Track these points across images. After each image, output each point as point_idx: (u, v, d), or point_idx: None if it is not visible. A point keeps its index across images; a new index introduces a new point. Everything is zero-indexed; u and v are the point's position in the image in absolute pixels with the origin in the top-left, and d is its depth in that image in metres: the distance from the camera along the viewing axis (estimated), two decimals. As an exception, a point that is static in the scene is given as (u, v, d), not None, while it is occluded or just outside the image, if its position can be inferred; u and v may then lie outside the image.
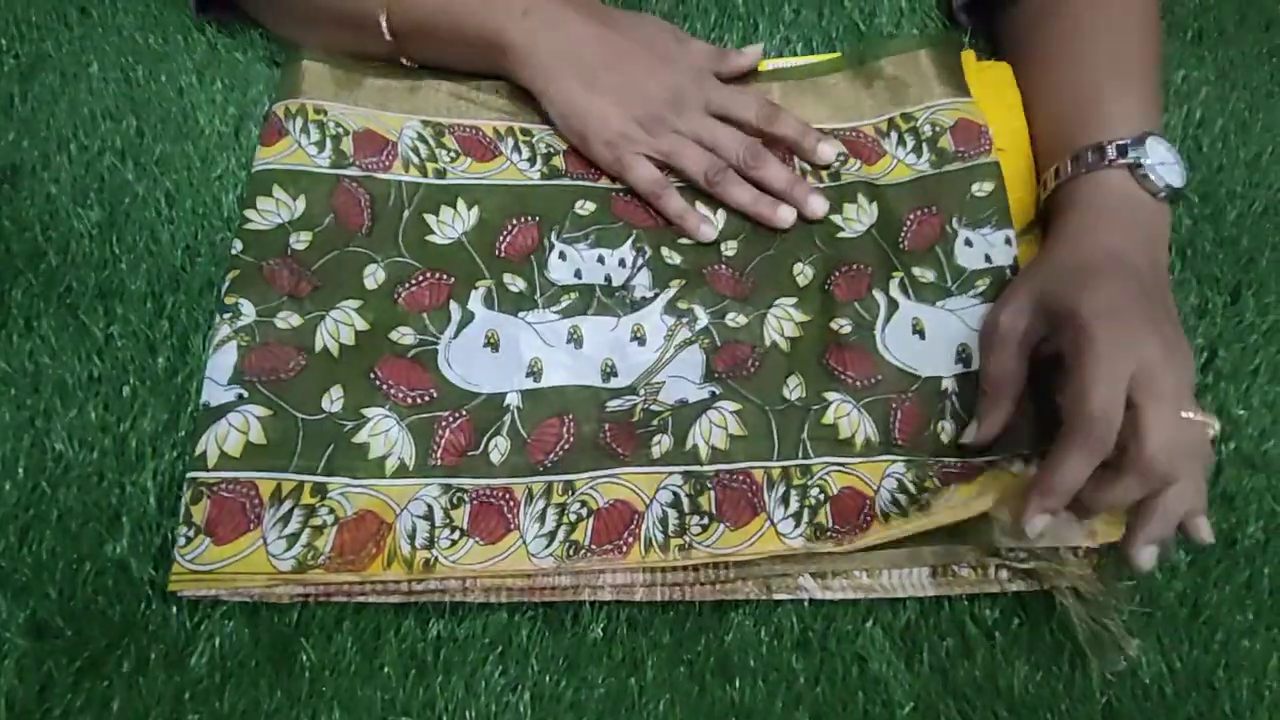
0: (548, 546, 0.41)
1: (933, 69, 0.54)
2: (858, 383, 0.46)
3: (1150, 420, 0.37)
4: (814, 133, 0.51)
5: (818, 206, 0.49)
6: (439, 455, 0.43)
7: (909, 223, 0.50)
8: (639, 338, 0.47)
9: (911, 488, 0.43)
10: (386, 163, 0.50)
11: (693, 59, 0.51)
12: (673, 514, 0.42)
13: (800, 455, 0.44)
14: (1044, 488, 0.38)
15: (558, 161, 0.51)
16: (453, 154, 0.51)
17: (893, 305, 0.48)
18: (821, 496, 0.43)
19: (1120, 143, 0.45)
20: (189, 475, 0.41)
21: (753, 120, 0.50)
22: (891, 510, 0.42)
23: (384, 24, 0.49)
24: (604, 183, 0.51)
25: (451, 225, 0.49)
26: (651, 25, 0.52)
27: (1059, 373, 0.41)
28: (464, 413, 0.44)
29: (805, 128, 0.51)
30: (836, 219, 0.50)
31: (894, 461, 0.44)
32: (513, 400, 0.45)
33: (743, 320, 0.47)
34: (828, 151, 0.50)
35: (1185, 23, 0.58)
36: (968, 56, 0.55)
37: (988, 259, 0.49)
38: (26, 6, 0.55)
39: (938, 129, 0.52)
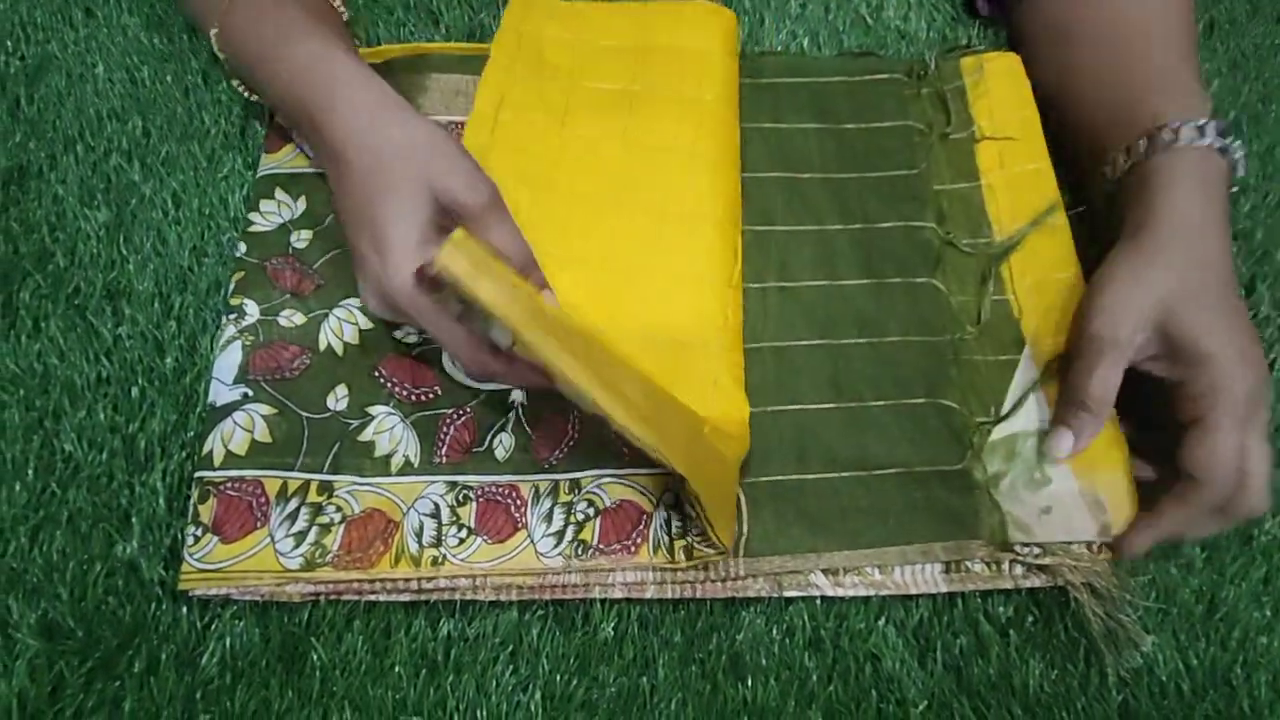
0: (556, 546, 0.41)
1: None
2: None
3: (1260, 468, 0.39)
4: None
5: None
6: (444, 453, 0.43)
7: None
8: None
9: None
10: None
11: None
12: (675, 516, 0.42)
13: None
14: (1158, 532, 0.40)
15: None
16: None
17: None
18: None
19: (1220, 124, 0.43)
20: (196, 474, 0.41)
21: None
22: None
23: (214, 42, 0.47)
24: None
25: None
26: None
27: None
28: (468, 410, 0.44)
29: None
30: None
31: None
32: (517, 396, 0.45)
33: None
34: None
35: (1197, 14, 0.57)
36: (968, 63, 0.54)
37: None
38: (32, 8, 0.55)
39: None
